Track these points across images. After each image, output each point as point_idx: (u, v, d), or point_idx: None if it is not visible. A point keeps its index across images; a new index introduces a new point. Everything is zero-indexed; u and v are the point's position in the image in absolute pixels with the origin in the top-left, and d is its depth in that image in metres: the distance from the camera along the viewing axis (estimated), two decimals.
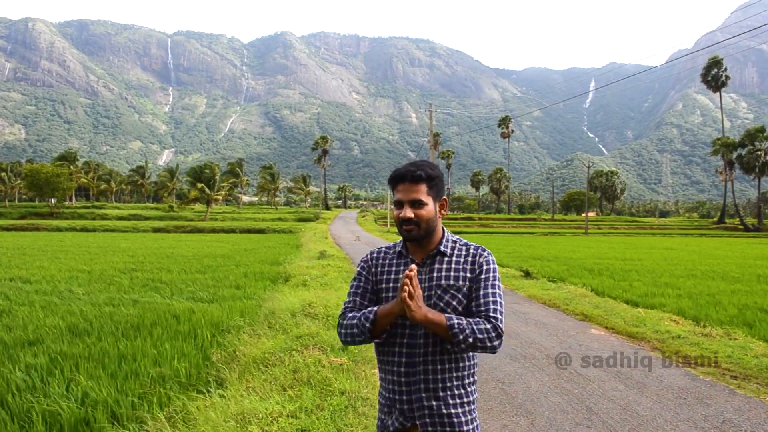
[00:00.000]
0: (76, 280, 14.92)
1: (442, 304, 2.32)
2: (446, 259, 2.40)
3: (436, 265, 2.39)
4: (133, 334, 8.37)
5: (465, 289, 2.34)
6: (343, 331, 2.38)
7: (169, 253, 25.08)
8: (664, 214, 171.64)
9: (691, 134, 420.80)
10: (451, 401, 2.32)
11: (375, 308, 2.31)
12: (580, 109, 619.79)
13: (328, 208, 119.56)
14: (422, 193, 2.33)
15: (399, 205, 2.36)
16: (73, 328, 8.80)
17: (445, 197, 2.46)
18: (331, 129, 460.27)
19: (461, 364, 2.36)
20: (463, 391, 2.35)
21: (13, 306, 10.81)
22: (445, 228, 2.49)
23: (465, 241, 2.48)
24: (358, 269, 2.54)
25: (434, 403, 2.31)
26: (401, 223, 2.34)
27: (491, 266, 2.39)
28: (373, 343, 2.46)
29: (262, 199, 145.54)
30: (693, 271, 18.91)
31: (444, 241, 2.43)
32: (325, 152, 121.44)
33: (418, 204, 2.32)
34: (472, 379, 2.41)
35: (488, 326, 2.23)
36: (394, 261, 2.46)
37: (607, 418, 5.24)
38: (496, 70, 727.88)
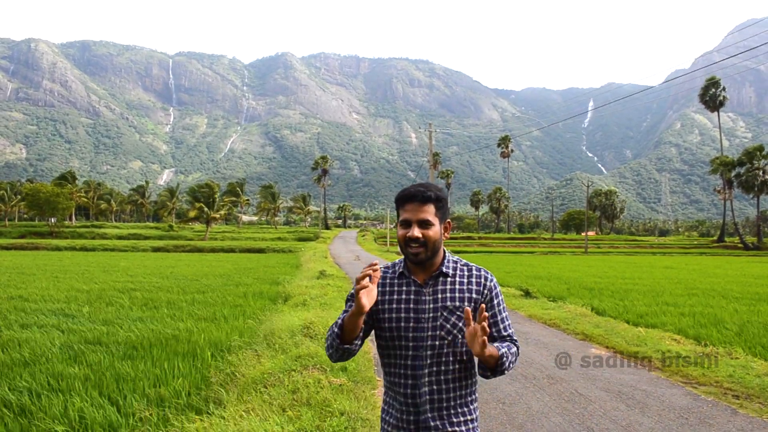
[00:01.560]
0: (75, 299, 14.87)
1: (448, 326, 2.32)
2: (449, 279, 2.39)
3: (440, 287, 2.37)
4: (132, 355, 8.33)
5: (471, 309, 2.30)
6: (326, 345, 2.43)
7: (168, 273, 25.02)
8: (663, 233, 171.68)
9: (690, 153, 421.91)
10: (455, 419, 2.33)
11: (342, 316, 2.34)
12: (579, 128, 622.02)
13: (327, 227, 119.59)
14: (430, 213, 2.33)
15: (406, 224, 2.34)
16: (70, 349, 8.75)
17: (449, 220, 2.46)
18: (331, 149, 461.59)
19: (465, 383, 2.37)
20: (466, 409, 2.37)
21: (10, 326, 10.76)
22: (445, 249, 2.48)
23: (465, 261, 2.48)
24: (350, 293, 2.48)
25: (439, 422, 2.30)
26: (407, 243, 2.33)
27: (498, 289, 2.45)
28: (381, 364, 2.48)
29: (262, 219, 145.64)
30: (693, 290, 18.87)
31: (446, 261, 2.42)
32: (325, 172, 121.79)
33: (426, 224, 2.32)
34: (474, 397, 2.42)
35: (515, 349, 2.38)
36: (395, 281, 2.43)
37: None
38: (494, 90, 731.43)
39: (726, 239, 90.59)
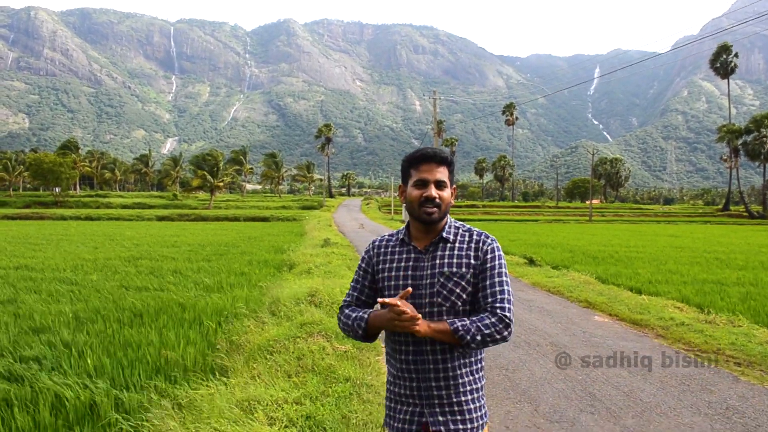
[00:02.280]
0: (81, 268, 14.96)
1: (445, 292, 2.28)
2: (449, 245, 2.35)
3: (439, 252, 2.34)
4: (138, 322, 8.40)
5: (469, 276, 2.29)
6: (341, 325, 2.44)
7: (173, 242, 25.12)
8: (668, 202, 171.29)
9: (696, 121, 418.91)
10: (461, 389, 2.30)
11: (366, 315, 2.32)
12: (585, 96, 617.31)
13: (332, 195, 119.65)
14: (445, 175, 2.33)
15: (421, 184, 2.31)
16: (78, 316, 8.83)
17: (455, 186, 2.43)
18: (334, 117, 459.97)
19: (468, 350, 2.33)
20: (472, 377, 2.33)
21: (19, 294, 10.85)
22: (448, 215, 2.44)
23: (468, 226, 2.43)
24: (361, 262, 2.53)
25: (444, 392, 2.28)
26: (422, 203, 2.30)
27: (496, 254, 2.34)
28: (385, 332, 2.44)
29: (266, 187, 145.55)
30: (697, 259, 18.88)
31: (447, 227, 2.38)
32: (328, 140, 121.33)
33: (442, 185, 2.31)
34: (480, 365, 2.38)
35: (493, 319, 2.20)
36: (396, 248, 2.42)
37: (611, 405, 5.25)
38: (500, 57, 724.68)
39: (731, 208, 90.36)
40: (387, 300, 2.13)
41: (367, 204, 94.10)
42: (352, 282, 2.51)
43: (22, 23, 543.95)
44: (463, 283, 2.29)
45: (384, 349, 6.89)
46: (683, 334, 7.97)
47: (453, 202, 2.41)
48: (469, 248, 2.34)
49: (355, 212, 70.61)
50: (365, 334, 2.32)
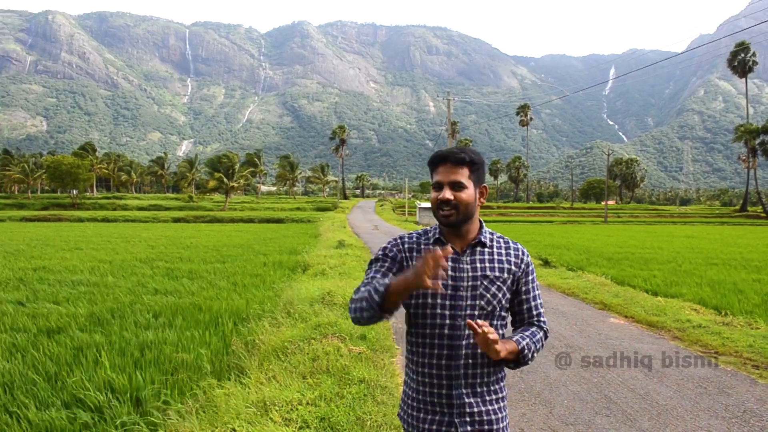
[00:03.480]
0: (98, 269, 15.10)
1: (488, 296, 2.23)
2: (487, 249, 2.30)
3: (478, 256, 2.28)
4: (155, 323, 8.48)
5: (509, 281, 2.28)
6: (352, 306, 2.16)
7: (189, 243, 25.28)
8: (685, 202, 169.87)
9: (713, 121, 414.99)
10: (488, 397, 2.25)
11: (388, 280, 2.06)
12: (600, 96, 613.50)
13: (346, 197, 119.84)
14: (463, 176, 2.23)
15: (438, 186, 2.25)
16: (95, 317, 8.92)
17: (485, 185, 2.36)
18: (348, 118, 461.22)
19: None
20: (497, 386, 2.29)
21: (36, 295, 10.99)
22: (482, 221, 2.38)
23: (500, 234, 2.40)
24: (384, 250, 2.36)
25: (473, 399, 2.23)
26: (439, 206, 2.24)
27: (532, 267, 2.37)
28: (406, 337, 2.36)
29: (281, 189, 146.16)
30: (714, 260, 18.71)
31: (483, 231, 2.33)
32: (342, 142, 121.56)
33: (458, 186, 2.22)
34: (504, 374, 2.34)
35: (541, 334, 2.29)
36: (431, 248, 2.24)
37: (627, 407, 5.22)
38: (514, 58, 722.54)
39: (749, 208, 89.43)
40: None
41: (381, 205, 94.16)
42: (372, 267, 2.33)
43: (40, 27, 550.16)
44: (505, 288, 2.27)
45: (398, 351, 6.90)
46: (700, 336, 7.90)
47: (484, 201, 2.35)
48: (507, 254, 2.32)
49: (369, 214, 70.68)
50: (381, 300, 2.02)
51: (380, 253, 2.37)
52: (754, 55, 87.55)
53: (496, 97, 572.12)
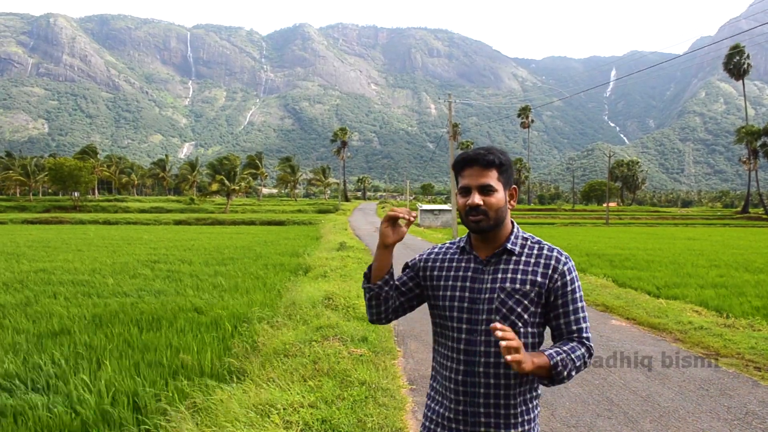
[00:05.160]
0: (99, 272, 15.11)
1: (505, 310, 2.06)
2: (514, 258, 2.12)
3: (502, 265, 2.12)
4: (156, 326, 8.48)
5: (533, 294, 2.07)
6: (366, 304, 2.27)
7: (190, 246, 25.29)
8: (686, 204, 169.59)
9: (714, 123, 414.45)
10: (512, 420, 2.06)
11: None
12: (601, 98, 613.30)
13: (347, 199, 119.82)
14: (492, 178, 2.09)
15: (465, 191, 2.11)
16: (97, 319, 8.93)
17: (515, 186, 2.20)
18: (350, 120, 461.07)
19: (525, 378, 2.08)
20: (524, 407, 2.09)
21: (38, 297, 11.00)
22: (515, 222, 2.22)
23: (538, 239, 2.19)
24: (409, 261, 2.33)
25: (493, 419, 2.05)
26: (468, 212, 2.09)
27: (574, 275, 2.13)
28: (434, 344, 2.27)
29: (282, 191, 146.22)
30: (716, 262, 18.68)
31: (513, 237, 2.16)
32: (344, 144, 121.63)
33: (487, 190, 2.07)
34: (535, 394, 2.15)
35: (583, 350, 2.04)
36: (455, 257, 2.21)
37: (629, 410, 5.21)
38: (515, 60, 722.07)
39: (750, 210, 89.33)
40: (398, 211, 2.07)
41: (383, 208, 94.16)
42: (403, 274, 2.34)
43: (42, 30, 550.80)
44: (526, 302, 2.07)
45: (399, 353, 6.89)
46: (702, 338, 7.89)
47: (515, 203, 2.21)
48: (537, 264, 2.11)
49: (370, 216, 70.68)
50: (369, 270, 2.18)
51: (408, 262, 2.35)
52: (748, 57, 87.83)
53: (497, 99, 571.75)
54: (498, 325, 1.83)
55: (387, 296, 2.19)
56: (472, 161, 2.10)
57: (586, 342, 2.07)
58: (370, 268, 2.18)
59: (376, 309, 2.22)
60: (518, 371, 1.84)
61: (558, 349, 2.00)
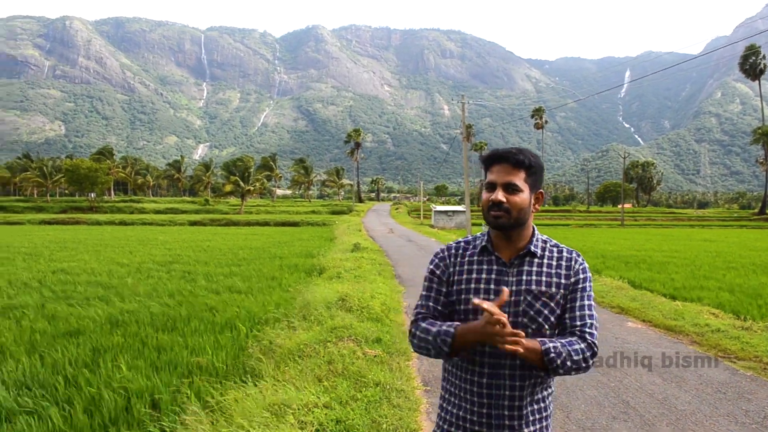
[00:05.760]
0: (115, 272, 15.23)
1: (532, 312, 2.07)
2: (536, 260, 2.13)
3: (525, 267, 2.12)
4: (171, 326, 8.53)
5: (559, 297, 2.10)
6: (416, 342, 2.15)
7: (205, 246, 25.43)
8: (702, 206, 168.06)
9: (731, 123, 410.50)
10: (531, 417, 2.09)
11: (453, 329, 2.04)
12: (615, 98, 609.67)
13: (361, 200, 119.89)
14: (520, 178, 2.08)
15: (491, 187, 2.10)
16: (113, 320, 9.00)
17: (541, 190, 2.19)
18: (363, 122, 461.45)
19: (545, 377, 2.13)
20: (542, 405, 2.14)
21: (55, 298, 11.10)
22: (535, 226, 2.22)
23: (555, 241, 2.22)
24: (431, 267, 2.26)
25: (516, 422, 2.07)
26: (489, 208, 2.08)
27: (587, 275, 2.16)
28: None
29: (296, 192, 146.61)
30: (733, 264, 18.50)
31: (534, 240, 2.16)
32: (357, 145, 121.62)
33: (512, 189, 2.07)
34: (551, 391, 2.19)
35: (582, 345, 2.03)
36: (475, 258, 2.18)
37: (645, 412, 5.18)
38: (528, 61, 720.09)
39: (767, 211, 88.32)
40: (485, 305, 1.86)
41: (397, 209, 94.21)
42: (424, 291, 2.25)
43: (58, 33, 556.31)
44: (552, 304, 2.09)
45: (414, 355, 6.87)
46: (719, 341, 7.82)
47: (539, 207, 2.18)
48: (559, 266, 2.14)
49: (384, 217, 70.71)
50: (450, 350, 2.04)
51: (428, 272, 2.26)
52: (764, 57, 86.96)
53: (510, 100, 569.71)
54: (476, 300, 1.88)
55: None
56: (502, 158, 2.10)
57: (588, 338, 2.06)
58: (449, 345, 2.04)
59: (439, 358, 2.17)
60: (510, 351, 1.87)
61: (554, 339, 2.02)
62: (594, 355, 2.06)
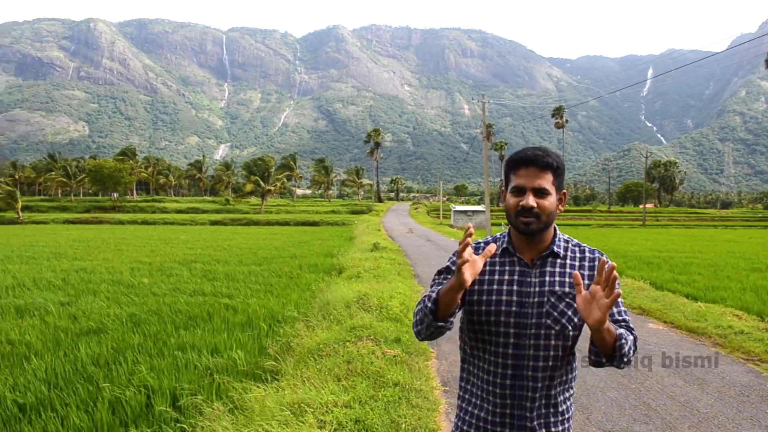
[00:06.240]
0: (137, 271, 15.41)
1: (556, 314, 2.03)
2: (559, 261, 2.10)
3: (548, 268, 2.08)
4: (192, 325, 8.61)
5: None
6: (414, 320, 2.13)
7: (226, 246, 25.61)
8: (726, 206, 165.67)
9: (755, 122, 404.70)
10: (552, 419, 2.07)
11: (438, 288, 2.03)
12: (638, 97, 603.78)
13: (380, 200, 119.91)
14: (548, 181, 2.03)
15: (518, 191, 2.04)
16: (134, 318, 9.11)
17: (565, 191, 2.16)
18: (383, 122, 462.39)
19: (567, 377, 2.12)
20: (565, 406, 2.12)
21: (78, 296, 11.26)
22: (556, 226, 2.16)
23: (576, 241, 2.18)
24: (448, 263, 2.22)
25: (538, 421, 2.05)
26: (518, 213, 2.02)
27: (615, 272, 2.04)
28: (461, 356, 2.24)
29: (316, 192, 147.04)
30: (757, 265, 18.22)
31: (557, 240, 2.13)
32: (377, 145, 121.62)
33: (542, 193, 2.02)
34: (572, 392, 2.17)
35: (632, 338, 2.01)
36: (497, 258, 2.13)
37: (666, 415, 5.12)
38: (549, 59, 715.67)
39: None
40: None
41: (416, 209, 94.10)
42: (434, 280, 2.23)
43: (83, 35, 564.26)
44: (576, 305, 2.00)
45: (433, 355, 6.87)
46: (742, 343, 7.71)
47: (563, 208, 2.15)
48: (582, 266, 2.10)
49: (403, 217, 70.66)
50: (435, 306, 1.97)
51: (444, 266, 2.23)
52: None
53: (531, 99, 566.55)
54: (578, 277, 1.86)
55: (451, 324, 2.08)
56: (530, 162, 2.04)
57: (634, 332, 2.05)
58: (433, 301, 2.00)
59: (432, 336, 2.10)
60: (596, 323, 1.82)
61: (616, 327, 1.96)
62: (636, 345, 2.03)
